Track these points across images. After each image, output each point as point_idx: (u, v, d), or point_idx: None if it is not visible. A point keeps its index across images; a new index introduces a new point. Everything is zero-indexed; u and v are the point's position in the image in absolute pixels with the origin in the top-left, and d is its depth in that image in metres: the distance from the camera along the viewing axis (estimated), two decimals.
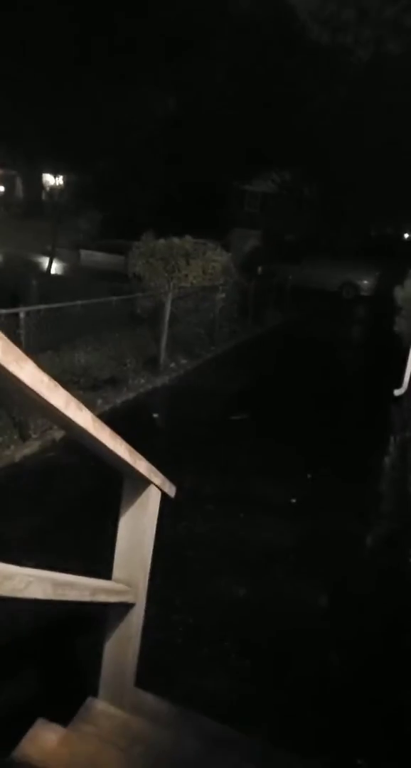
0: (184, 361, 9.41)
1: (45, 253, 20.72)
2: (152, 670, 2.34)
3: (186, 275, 10.84)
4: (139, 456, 1.87)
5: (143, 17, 21.30)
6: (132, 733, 2.11)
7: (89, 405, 7.03)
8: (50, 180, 29.14)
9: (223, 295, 11.31)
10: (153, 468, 2.01)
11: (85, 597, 1.67)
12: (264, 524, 4.48)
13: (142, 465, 1.90)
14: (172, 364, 9.04)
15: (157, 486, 2.06)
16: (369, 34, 22.94)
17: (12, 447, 5.42)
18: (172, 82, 22.66)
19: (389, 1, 22.42)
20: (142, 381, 7.99)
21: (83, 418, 1.43)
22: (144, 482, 2.01)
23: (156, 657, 2.54)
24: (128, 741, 2.07)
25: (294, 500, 4.93)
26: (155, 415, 7.02)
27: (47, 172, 28.77)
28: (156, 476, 2.04)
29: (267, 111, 22.52)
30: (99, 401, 6.87)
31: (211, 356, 10.28)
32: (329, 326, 15.12)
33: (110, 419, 6.47)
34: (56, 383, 1.27)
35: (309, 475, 5.43)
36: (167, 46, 21.94)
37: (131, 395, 7.40)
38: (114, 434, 1.64)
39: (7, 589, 1.24)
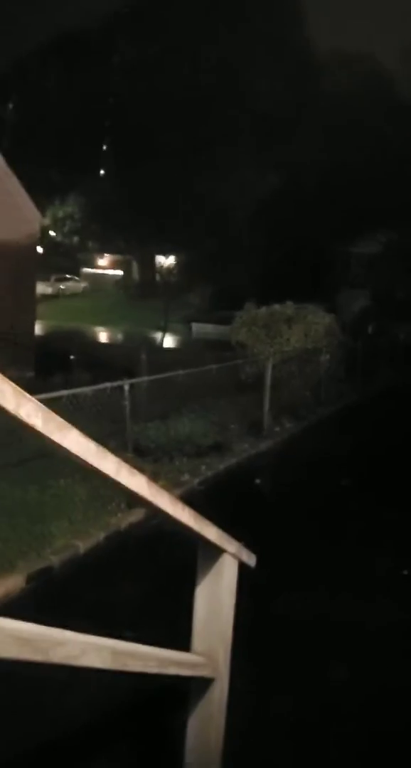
0: (288, 425, 9.28)
1: (159, 329, 22.04)
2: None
3: (288, 339, 10.87)
4: (207, 522, 1.84)
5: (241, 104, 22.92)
6: None
7: (192, 471, 7.03)
8: (162, 261, 31.35)
9: (328, 357, 11.14)
10: (225, 535, 1.96)
11: (152, 669, 1.64)
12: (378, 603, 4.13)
13: (211, 532, 1.87)
14: (277, 428, 8.95)
15: (231, 554, 2.01)
16: None
17: (119, 515, 5.60)
18: (271, 158, 23.81)
19: None
20: (246, 446, 7.98)
21: (137, 483, 1.46)
22: (216, 550, 1.97)
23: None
24: None
25: (406, 572, 4.53)
26: (258, 481, 6.93)
27: (159, 254, 31.02)
28: (230, 544, 1.99)
29: (368, 175, 22.67)
30: (202, 467, 6.94)
31: (317, 418, 10.04)
32: None
33: (212, 485, 6.52)
34: (105, 450, 1.32)
35: None
36: (265, 126, 23.30)
37: (234, 460, 7.40)
38: (174, 499, 1.64)
39: (60, 656, 1.25)
